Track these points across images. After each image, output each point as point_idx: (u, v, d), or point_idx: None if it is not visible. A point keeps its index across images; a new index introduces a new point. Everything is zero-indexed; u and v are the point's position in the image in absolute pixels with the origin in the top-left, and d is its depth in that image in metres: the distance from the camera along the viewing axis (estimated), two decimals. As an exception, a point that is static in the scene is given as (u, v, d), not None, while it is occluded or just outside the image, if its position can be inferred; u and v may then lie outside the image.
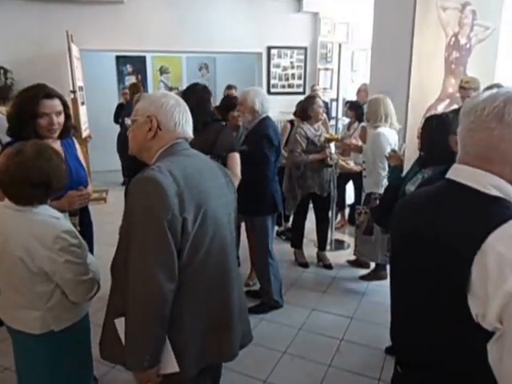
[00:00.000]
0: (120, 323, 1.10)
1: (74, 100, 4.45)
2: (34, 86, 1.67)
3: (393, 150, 2.27)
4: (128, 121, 1.24)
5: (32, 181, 1.23)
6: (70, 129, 1.76)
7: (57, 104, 1.64)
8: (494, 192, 0.73)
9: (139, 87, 5.05)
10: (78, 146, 1.87)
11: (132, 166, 1.26)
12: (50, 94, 1.63)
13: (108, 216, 3.94)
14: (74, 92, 4.45)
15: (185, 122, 1.20)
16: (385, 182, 2.67)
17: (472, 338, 0.71)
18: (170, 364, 1.11)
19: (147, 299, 1.04)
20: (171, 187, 1.04)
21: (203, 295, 1.15)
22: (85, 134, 4.77)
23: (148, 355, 1.06)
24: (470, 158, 0.77)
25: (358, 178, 3.50)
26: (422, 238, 0.79)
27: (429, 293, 0.77)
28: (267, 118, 2.49)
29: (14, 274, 1.27)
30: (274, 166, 2.54)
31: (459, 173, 0.79)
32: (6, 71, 4.69)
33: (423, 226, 0.80)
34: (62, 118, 1.67)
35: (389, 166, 2.22)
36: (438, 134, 1.83)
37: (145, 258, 1.03)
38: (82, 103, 4.75)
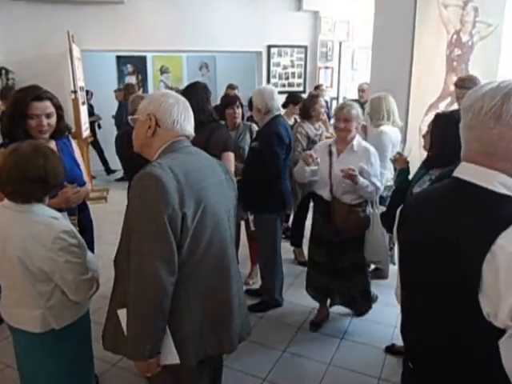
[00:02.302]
0: (123, 314, 1.13)
1: (75, 100, 4.46)
2: (26, 88, 1.69)
3: (398, 153, 2.24)
4: (129, 120, 1.28)
5: (29, 176, 1.23)
6: (63, 129, 1.78)
7: (47, 106, 1.66)
8: (503, 190, 0.72)
9: (134, 87, 5.13)
10: (74, 145, 1.89)
11: (133, 165, 1.27)
12: (40, 96, 1.65)
13: (110, 215, 3.95)
14: (75, 92, 4.46)
15: (183, 120, 1.22)
16: (385, 181, 2.65)
17: (484, 335, 0.71)
18: (171, 355, 1.13)
19: (148, 292, 1.06)
20: (171, 183, 1.07)
21: (203, 289, 1.18)
22: (85, 133, 4.78)
23: (149, 345, 1.08)
24: (473, 154, 0.77)
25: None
26: (434, 238, 0.79)
27: (442, 292, 0.78)
28: (279, 116, 2.50)
29: (14, 274, 1.27)
30: (285, 165, 2.54)
31: (466, 171, 0.78)
32: (7, 72, 4.71)
33: (434, 226, 0.79)
34: (53, 120, 1.69)
35: (395, 170, 2.20)
36: (448, 132, 1.78)
37: (146, 252, 1.06)
38: (83, 103, 4.76)
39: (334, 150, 2.26)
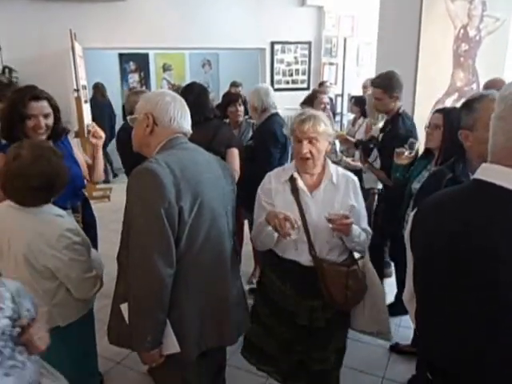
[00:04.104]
0: (125, 308, 1.16)
1: (78, 98, 4.45)
2: (22, 88, 1.69)
3: (404, 147, 2.20)
4: (128, 120, 1.30)
5: (33, 186, 1.24)
6: (60, 132, 1.76)
7: (44, 106, 1.65)
8: None
9: (103, 87, 5.60)
10: (73, 143, 1.88)
11: (133, 162, 1.27)
12: (38, 96, 1.64)
13: (112, 214, 3.95)
14: (77, 90, 4.45)
15: (180, 118, 1.24)
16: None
17: None
18: (172, 345, 1.16)
19: (147, 284, 1.09)
20: (168, 177, 1.10)
21: (201, 282, 1.20)
22: (89, 132, 4.78)
23: (150, 337, 1.12)
24: (498, 149, 0.72)
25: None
26: (458, 244, 0.73)
27: (479, 301, 0.71)
28: (275, 114, 2.51)
29: (19, 272, 1.29)
30: (281, 163, 2.52)
31: (490, 172, 0.73)
32: (10, 70, 4.71)
33: (457, 232, 0.74)
34: (50, 121, 1.68)
35: (394, 164, 2.15)
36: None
37: (143, 245, 1.09)
38: (86, 101, 4.75)
39: (301, 184, 1.43)
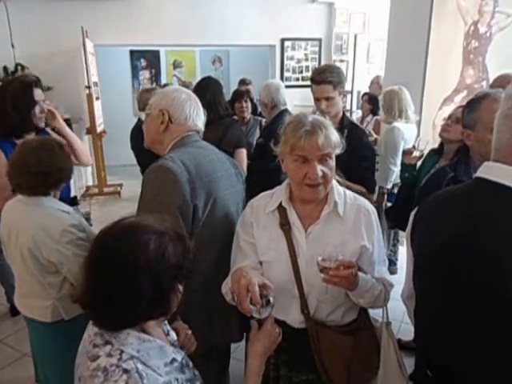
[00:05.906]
0: None
1: (89, 95, 4.52)
2: (22, 77, 1.68)
3: (413, 146, 2.18)
4: (142, 115, 1.29)
5: (30, 171, 1.26)
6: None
7: (42, 93, 1.67)
8: None
9: None
10: (54, 134, 1.82)
11: (148, 159, 1.29)
12: (38, 82, 1.65)
13: (122, 210, 4.02)
14: (88, 87, 4.52)
15: (195, 116, 1.24)
16: (394, 178, 2.61)
17: None
18: None
19: None
20: (183, 175, 1.10)
21: (210, 279, 1.19)
22: (99, 129, 4.85)
23: None
24: (502, 147, 0.71)
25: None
26: (468, 247, 0.72)
27: (479, 301, 0.71)
28: (285, 110, 2.49)
29: (25, 265, 1.32)
30: None
31: (492, 171, 0.72)
32: (23, 68, 4.80)
33: (458, 232, 0.73)
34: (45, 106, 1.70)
35: (402, 164, 2.14)
36: None
37: None
38: (97, 98, 4.82)
39: (294, 218, 1.07)
